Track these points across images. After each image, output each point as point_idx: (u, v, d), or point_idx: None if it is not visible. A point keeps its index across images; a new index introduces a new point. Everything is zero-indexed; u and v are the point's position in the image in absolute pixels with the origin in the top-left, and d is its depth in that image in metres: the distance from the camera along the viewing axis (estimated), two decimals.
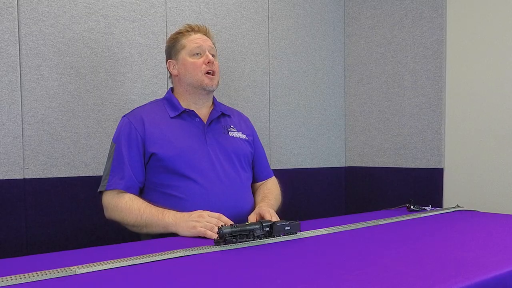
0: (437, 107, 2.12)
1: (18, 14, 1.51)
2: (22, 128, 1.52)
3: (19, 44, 1.51)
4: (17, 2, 1.51)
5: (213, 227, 1.16)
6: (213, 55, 1.46)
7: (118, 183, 1.33)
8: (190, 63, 1.43)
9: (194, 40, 1.44)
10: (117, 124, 1.46)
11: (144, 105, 1.49)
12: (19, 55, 1.52)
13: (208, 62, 1.42)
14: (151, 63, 1.80)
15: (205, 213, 1.22)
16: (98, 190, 1.37)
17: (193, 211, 1.24)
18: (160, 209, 1.28)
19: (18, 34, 1.51)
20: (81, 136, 1.64)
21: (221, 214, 1.23)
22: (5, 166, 1.49)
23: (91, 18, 1.66)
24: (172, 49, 1.48)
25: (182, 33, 1.47)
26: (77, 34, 1.63)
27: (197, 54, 1.44)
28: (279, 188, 1.60)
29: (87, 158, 1.65)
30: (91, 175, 1.65)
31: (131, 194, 1.33)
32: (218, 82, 1.47)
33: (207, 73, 1.43)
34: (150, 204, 1.30)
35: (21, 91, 1.52)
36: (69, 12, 1.61)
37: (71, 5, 1.61)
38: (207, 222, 1.19)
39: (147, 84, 1.79)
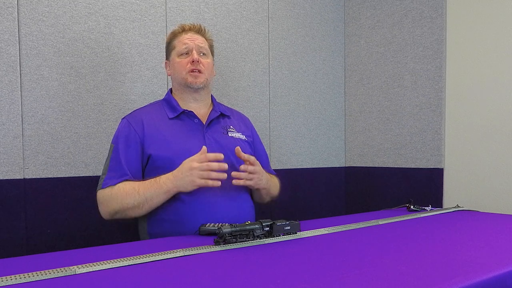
0: (437, 107, 2.12)
1: (18, 14, 1.51)
2: (22, 128, 1.52)
3: (19, 44, 1.51)
4: (17, 2, 1.51)
5: (209, 174, 1.22)
6: (203, 54, 1.46)
7: (114, 181, 1.33)
8: (177, 62, 1.45)
9: (182, 41, 1.45)
10: (117, 124, 1.46)
11: (143, 106, 1.50)
12: (19, 55, 1.52)
13: (192, 61, 1.42)
14: (151, 63, 1.80)
15: (193, 163, 1.24)
16: (96, 190, 1.37)
17: (181, 169, 1.26)
18: (153, 180, 1.30)
19: (18, 34, 1.51)
20: (81, 136, 1.64)
21: (207, 154, 1.24)
22: (5, 166, 1.49)
23: (91, 18, 1.66)
24: (166, 50, 1.53)
25: (174, 33, 1.49)
26: (77, 34, 1.63)
27: (185, 53, 1.45)
28: (278, 184, 1.60)
29: (87, 158, 1.65)
30: (91, 175, 1.65)
31: (123, 181, 1.33)
32: (205, 80, 1.46)
33: (192, 71, 1.43)
34: (142, 181, 1.32)
35: (21, 91, 1.52)
36: (69, 12, 1.61)
37: (71, 5, 1.61)
38: (201, 171, 1.22)
39: (147, 84, 1.79)
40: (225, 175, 1.26)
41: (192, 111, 1.45)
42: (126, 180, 1.33)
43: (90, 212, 1.63)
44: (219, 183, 1.25)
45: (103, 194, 1.34)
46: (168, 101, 1.48)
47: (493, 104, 1.95)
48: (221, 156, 1.25)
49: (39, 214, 1.55)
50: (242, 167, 1.33)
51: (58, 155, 1.59)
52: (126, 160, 1.35)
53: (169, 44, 1.50)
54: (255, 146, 1.59)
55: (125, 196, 1.29)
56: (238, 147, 1.35)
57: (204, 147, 1.27)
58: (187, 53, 1.44)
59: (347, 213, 2.48)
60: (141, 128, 1.38)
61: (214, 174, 1.24)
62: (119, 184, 1.32)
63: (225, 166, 1.25)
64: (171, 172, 1.29)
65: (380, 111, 2.37)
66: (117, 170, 1.34)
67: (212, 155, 1.25)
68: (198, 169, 1.23)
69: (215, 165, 1.24)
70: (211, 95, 1.56)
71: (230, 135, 1.49)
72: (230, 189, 1.39)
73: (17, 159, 1.51)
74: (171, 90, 1.53)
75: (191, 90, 1.46)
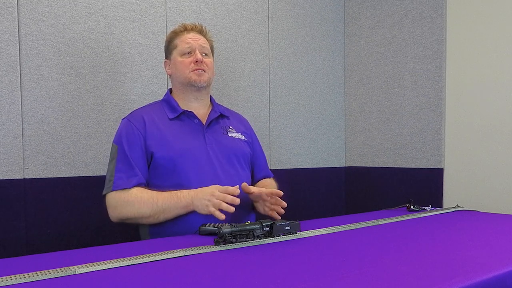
0: (437, 107, 2.12)
1: (18, 14, 1.51)
2: (22, 128, 1.52)
3: (19, 44, 1.51)
4: (17, 2, 1.51)
5: (221, 204, 1.20)
6: (205, 54, 1.46)
7: (127, 182, 1.31)
8: (180, 62, 1.44)
9: (185, 40, 1.45)
10: (117, 124, 1.46)
11: (143, 106, 1.50)
12: (19, 55, 1.52)
13: (196, 61, 1.42)
14: (151, 63, 1.80)
15: (215, 191, 1.23)
16: (104, 193, 1.35)
17: (205, 190, 1.26)
18: (173, 192, 1.29)
19: (18, 34, 1.51)
20: (81, 136, 1.64)
21: (227, 187, 1.24)
22: (5, 166, 1.49)
23: (91, 18, 1.66)
24: (167, 49, 1.51)
25: (176, 33, 1.48)
26: (77, 34, 1.63)
27: (188, 53, 1.44)
28: (276, 187, 1.60)
29: (87, 158, 1.65)
30: (91, 175, 1.65)
31: (137, 187, 1.32)
32: (209, 79, 1.46)
33: (196, 70, 1.42)
34: (159, 191, 1.31)
35: (21, 91, 1.52)
36: (69, 12, 1.61)
37: (71, 5, 1.61)
38: (216, 200, 1.21)
39: (147, 84, 1.79)
40: (233, 209, 1.23)
41: (192, 112, 1.45)
42: (139, 184, 1.32)
43: (90, 212, 1.63)
44: (224, 216, 1.22)
45: (115, 198, 1.32)
46: (168, 102, 1.47)
47: (493, 104, 1.95)
48: (237, 191, 1.24)
49: (39, 214, 1.55)
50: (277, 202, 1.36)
51: (58, 155, 1.59)
52: (133, 159, 1.34)
53: (169, 43, 1.49)
54: (253, 148, 1.59)
55: (142, 205, 1.28)
56: (245, 183, 1.35)
57: (237, 187, 1.26)
58: (190, 52, 1.44)
59: (347, 213, 2.48)
60: (143, 127, 1.38)
61: (224, 206, 1.22)
62: (134, 191, 1.30)
63: (237, 200, 1.23)
64: (194, 189, 1.29)
65: (380, 111, 2.37)
66: (127, 171, 1.33)
67: (231, 189, 1.23)
68: (216, 196, 1.22)
69: (229, 198, 1.22)
70: (210, 96, 1.56)
71: (229, 135, 1.49)
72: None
73: (17, 159, 1.51)
74: (170, 90, 1.53)
75: (193, 89, 1.45)
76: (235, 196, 1.23)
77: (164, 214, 1.29)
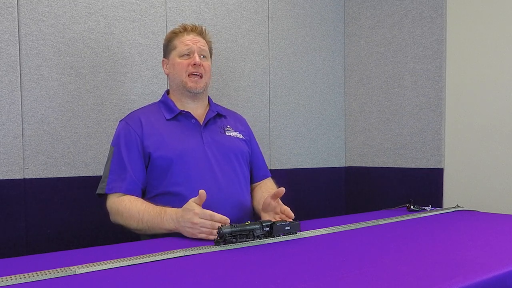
0: (437, 107, 2.12)
1: (18, 14, 1.51)
2: (22, 128, 1.52)
3: (19, 44, 1.51)
4: (17, 2, 1.51)
5: (211, 231, 1.13)
6: (204, 56, 1.46)
7: (119, 186, 1.32)
8: (178, 63, 1.44)
9: (185, 42, 1.44)
10: (117, 125, 1.46)
11: (140, 108, 1.50)
12: (19, 55, 1.52)
13: (194, 64, 1.42)
14: (151, 63, 1.80)
15: (195, 219, 1.15)
16: (96, 192, 1.37)
17: (183, 217, 1.17)
18: (158, 211, 1.24)
19: (18, 34, 1.51)
20: (81, 136, 1.64)
21: (212, 213, 1.15)
22: (5, 166, 1.49)
23: (91, 18, 1.66)
24: (166, 48, 1.51)
25: (176, 33, 1.48)
26: (77, 34, 1.63)
27: (187, 55, 1.44)
28: (275, 188, 1.60)
29: (87, 158, 1.65)
30: (91, 175, 1.65)
31: (131, 196, 1.32)
32: (205, 84, 1.46)
33: (192, 74, 1.42)
34: (149, 205, 1.28)
35: (21, 91, 1.52)
36: (69, 12, 1.61)
37: (71, 5, 1.61)
38: (202, 227, 1.14)
39: (147, 84, 1.79)
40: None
41: (189, 112, 1.45)
42: (131, 186, 1.32)
43: (90, 212, 1.63)
44: (214, 237, 1.15)
45: (111, 205, 1.33)
46: (165, 103, 1.48)
47: (493, 104, 1.95)
48: (227, 221, 1.16)
49: (39, 214, 1.55)
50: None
51: (58, 155, 1.59)
52: (128, 161, 1.34)
53: (169, 42, 1.49)
54: (252, 146, 1.59)
55: (129, 218, 1.28)
56: (283, 188, 1.29)
57: (202, 192, 1.17)
58: (188, 54, 1.44)
59: (347, 213, 2.48)
60: (140, 128, 1.38)
61: (213, 237, 1.15)
62: (126, 200, 1.30)
63: (227, 221, 1.16)
64: (175, 212, 1.21)
65: (380, 111, 2.37)
66: (120, 173, 1.33)
67: (218, 218, 1.15)
68: (199, 225, 1.15)
69: (219, 225, 1.14)
70: (208, 96, 1.56)
71: (227, 134, 1.50)
72: (230, 188, 1.39)
73: (17, 159, 1.51)
74: (167, 91, 1.53)
75: (189, 94, 1.45)
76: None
77: (150, 231, 1.27)
